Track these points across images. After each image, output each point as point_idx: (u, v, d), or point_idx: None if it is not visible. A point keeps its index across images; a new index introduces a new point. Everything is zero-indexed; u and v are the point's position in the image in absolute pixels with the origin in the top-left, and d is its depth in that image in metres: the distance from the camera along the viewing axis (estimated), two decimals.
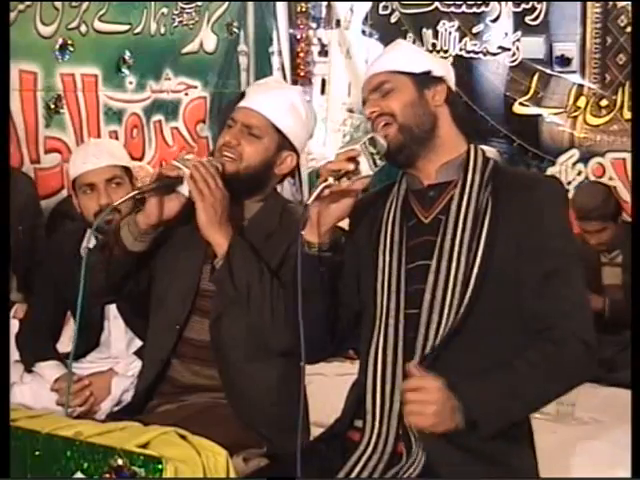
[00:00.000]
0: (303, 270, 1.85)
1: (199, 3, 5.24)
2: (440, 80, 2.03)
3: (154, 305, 2.35)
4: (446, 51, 5.48)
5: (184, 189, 2.15)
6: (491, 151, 4.57)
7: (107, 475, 1.58)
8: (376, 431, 1.89)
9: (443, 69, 2.06)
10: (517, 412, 1.84)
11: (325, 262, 1.94)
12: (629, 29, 4.79)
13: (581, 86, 5.02)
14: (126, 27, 4.86)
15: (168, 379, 2.29)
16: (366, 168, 1.92)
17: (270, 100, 2.27)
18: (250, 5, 5.62)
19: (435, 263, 1.90)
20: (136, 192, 2.25)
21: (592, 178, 4.99)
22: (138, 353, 2.78)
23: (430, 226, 1.96)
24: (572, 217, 4.37)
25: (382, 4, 5.71)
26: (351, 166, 1.88)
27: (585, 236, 4.13)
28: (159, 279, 2.32)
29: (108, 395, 2.80)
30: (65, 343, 3.00)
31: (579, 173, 5.04)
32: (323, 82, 5.99)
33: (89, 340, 2.94)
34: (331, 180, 1.85)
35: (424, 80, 2.01)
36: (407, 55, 2.06)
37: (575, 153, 5.04)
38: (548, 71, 5.10)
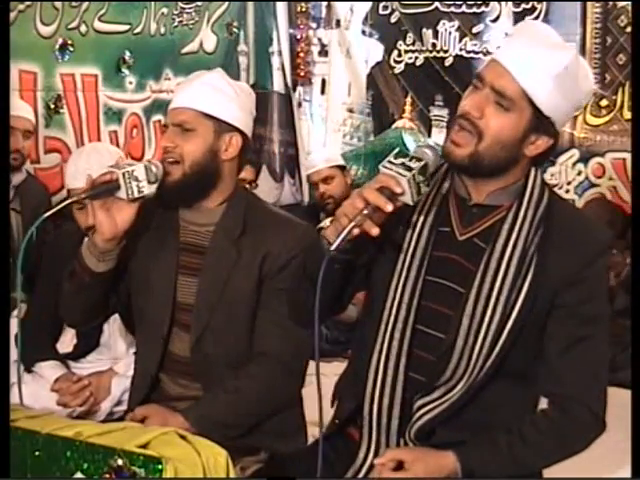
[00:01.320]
0: (316, 265, 1.72)
1: (199, 3, 5.24)
2: (553, 131, 1.80)
3: (137, 318, 2.33)
4: (446, 51, 5.48)
5: (122, 193, 2.08)
6: None
7: (107, 475, 1.58)
8: (373, 445, 1.86)
9: (566, 120, 1.83)
10: (515, 472, 1.82)
11: (340, 262, 1.77)
12: (629, 29, 4.79)
13: None
14: (126, 27, 4.85)
15: (158, 390, 2.29)
16: (407, 199, 1.72)
17: (191, 91, 2.22)
18: (250, 5, 5.62)
19: (474, 297, 1.79)
20: (70, 201, 2.19)
21: (592, 178, 4.99)
22: None
23: (463, 245, 1.84)
24: None
25: (382, 4, 5.71)
26: (389, 208, 1.67)
27: None
28: (136, 292, 2.29)
29: (108, 395, 2.80)
30: (65, 343, 3.00)
31: (579, 173, 5.04)
32: (323, 82, 5.99)
33: (89, 341, 2.94)
34: (359, 218, 1.66)
35: (540, 123, 1.78)
36: (551, 87, 1.75)
37: (575, 153, 5.04)
38: None
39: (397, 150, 1.76)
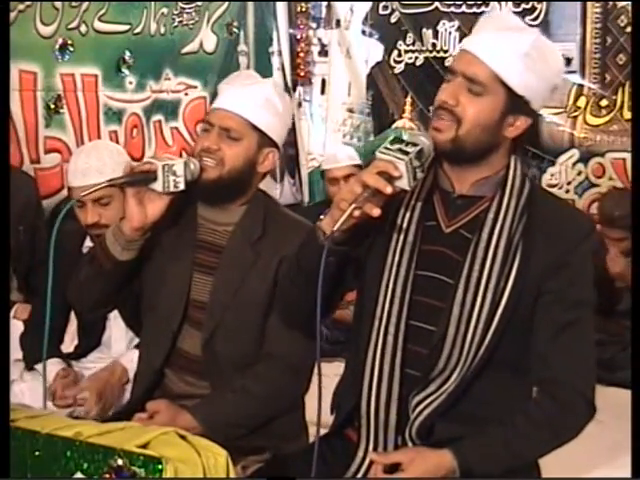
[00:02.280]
0: (312, 259, 1.74)
1: (199, 3, 5.24)
2: (530, 111, 1.84)
3: (146, 312, 2.33)
4: (446, 51, 5.48)
5: (158, 185, 2.09)
6: None
7: (107, 475, 1.58)
8: (372, 443, 1.87)
9: (541, 100, 1.85)
10: (512, 464, 1.82)
11: (335, 254, 1.77)
12: (629, 29, 4.80)
13: (581, 86, 5.02)
14: (126, 27, 4.85)
15: (162, 387, 2.28)
16: (404, 183, 1.74)
17: (244, 98, 2.20)
18: (250, 5, 5.62)
19: (463, 286, 1.81)
20: (105, 184, 2.17)
21: (592, 178, 4.99)
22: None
23: (449, 237, 1.86)
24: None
25: (382, 4, 5.71)
26: (388, 189, 1.70)
27: (604, 242, 4.09)
28: (149, 287, 2.29)
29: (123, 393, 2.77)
30: (66, 343, 3.01)
31: (579, 173, 5.04)
32: (323, 82, 5.99)
33: (91, 339, 2.95)
34: (360, 199, 1.68)
35: (515, 103, 1.81)
36: (522, 68, 1.78)
37: (575, 153, 5.04)
38: None
39: (393, 137, 1.79)
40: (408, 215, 1.87)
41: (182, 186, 2.11)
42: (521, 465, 1.86)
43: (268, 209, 2.28)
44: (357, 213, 1.70)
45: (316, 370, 1.81)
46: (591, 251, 1.90)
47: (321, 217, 1.79)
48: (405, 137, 1.80)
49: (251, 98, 2.20)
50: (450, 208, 1.88)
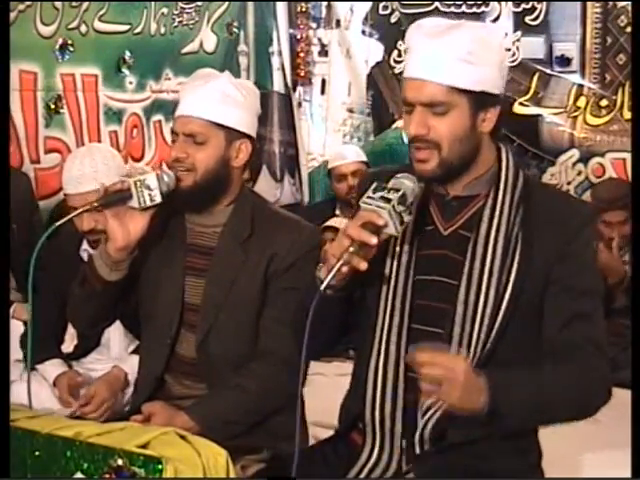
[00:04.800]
0: (316, 308, 1.71)
1: (199, 3, 5.23)
2: (495, 99, 1.81)
3: (144, 321, 2.34)
4: None
5: (134, 202, 2.09)
6: None
7: (107, 475, 1.58)
8: (376, 451, 1.85)
9: (500, 83, 1.83)
10: (540, 415, 1.79)
11: (336, 299, 1.79)
12: (629, 29, 4.80)
13: (581, 86, 5.03)
14: (126, 27, 4.85)
15: (162, 391, 2.29)
16: (391, 230, 1.74)
17: (201, 99, 2.19)
18: (250, 5, 5.62)
19: (465, 285, 1.80)
20: (82, 210, 2.18)
21: (592, 178, 4.99)
22: (137, 351, 2.77)
23: (449, 239, 1.86)
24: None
25: (382, 4, 5.71)
26: (373, 241, 1.68)
27: (605, 231, 4.08)
28: (145, 296, 2.30)
29: (127, 387, 2.76)
30: (66, 343, 3.01)
31: (579, 173, 5.05)
32: (323, 82, 5.98)
33: (90, 340, 2.95)
34: (346, 256, 1.67)
35: (479, 101, 1.79)
36: (472, 66, 1.76)
37: (575, 153, 5.04)
38: (548, 71, 5.10)
39: (375, 185, 1.78)
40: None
41: (158, 199, 2.11)
42: (546, 418, 1.82)
43: (256, 207, 2.28)
44: (345, 269, 1.70)
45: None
46: (594, 238, 1.89)
47: (320, 265, 1.79)
48: (389, 184, 1.79)
49: (207, 97, 2.19)
50: (446, 210, 1.88)
